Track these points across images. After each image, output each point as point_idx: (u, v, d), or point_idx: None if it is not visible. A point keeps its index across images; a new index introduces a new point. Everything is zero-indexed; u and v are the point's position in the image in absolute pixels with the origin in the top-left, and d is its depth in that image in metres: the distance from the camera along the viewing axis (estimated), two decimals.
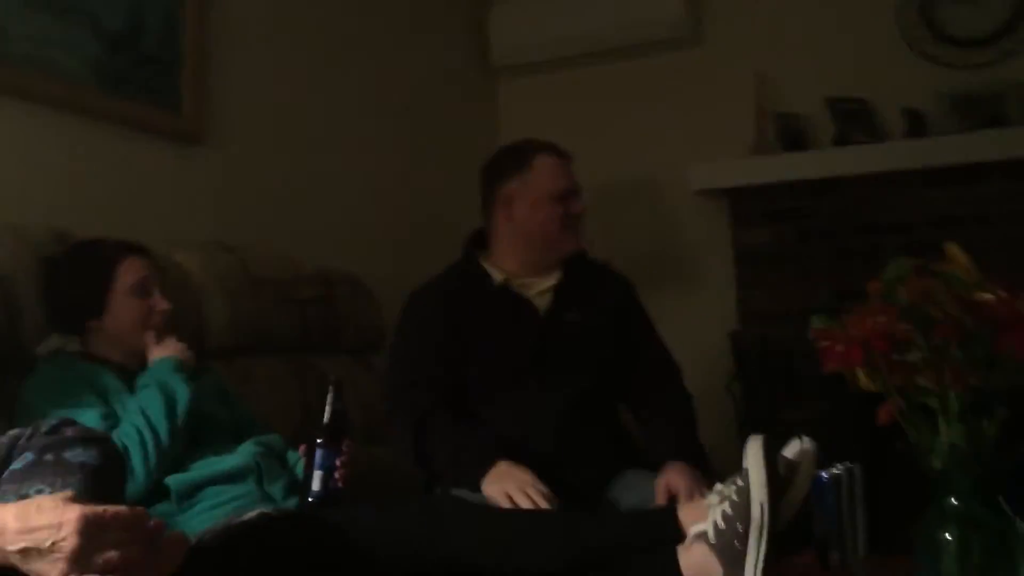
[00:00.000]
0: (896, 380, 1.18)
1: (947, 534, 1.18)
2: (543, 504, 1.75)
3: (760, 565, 1.33)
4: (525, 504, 1.74)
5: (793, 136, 3.23)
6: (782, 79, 3.28)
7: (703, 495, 1.60)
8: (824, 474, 1.63)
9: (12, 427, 1.26)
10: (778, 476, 1.40)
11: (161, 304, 1.85)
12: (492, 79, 3.72)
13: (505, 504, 1.76)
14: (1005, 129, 2.92)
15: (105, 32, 2.27)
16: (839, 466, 1.63)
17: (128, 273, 1.83)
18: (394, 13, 3.23)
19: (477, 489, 1.84)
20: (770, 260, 3.27)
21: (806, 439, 1.51)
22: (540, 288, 2.10)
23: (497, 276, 2.08)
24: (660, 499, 1.80)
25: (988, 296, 1.13)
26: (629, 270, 2.70)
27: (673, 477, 1.84)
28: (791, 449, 1.50)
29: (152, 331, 1.84)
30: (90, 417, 1.64)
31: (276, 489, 1.75)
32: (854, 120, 3.15)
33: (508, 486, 1.78)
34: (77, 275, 1.83)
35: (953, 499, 1.18)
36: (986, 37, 3.05)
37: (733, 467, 1.51)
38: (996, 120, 2.95)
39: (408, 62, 3.27)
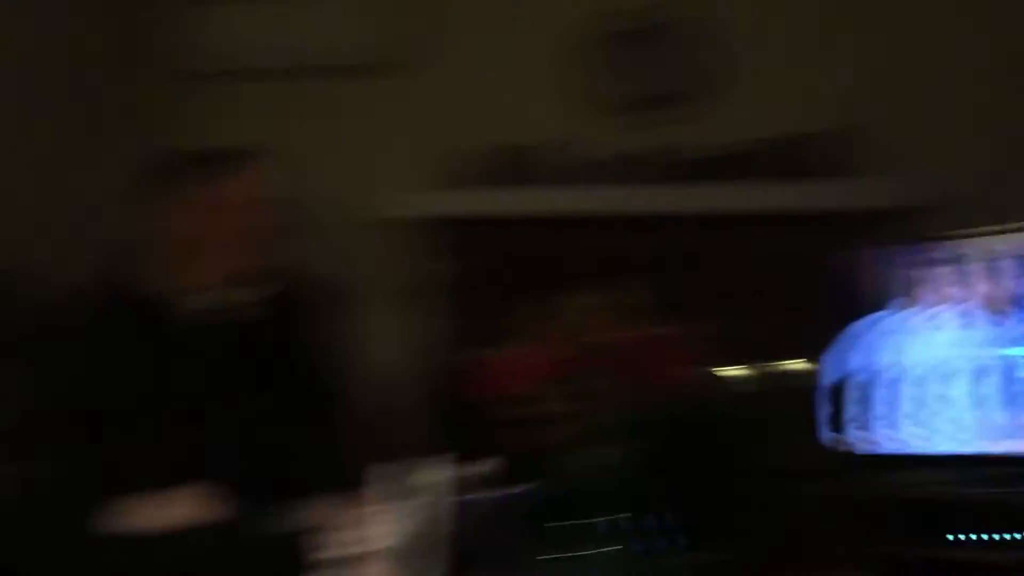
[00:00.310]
0: (546, 407, 1.26)
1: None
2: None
3: None
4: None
5: (481, 172, 3.35)
6: (474, 115, 3.41)
7: (358, 519, 1.61)
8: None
9: None
10: (451, 496, 1.43)
11: None
12: (184, 84, 3.55)
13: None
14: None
15: None
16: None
17: None
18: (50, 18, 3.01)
19: None
20: (450, 292, 3.35)
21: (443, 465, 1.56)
22: (241, 299, 2.03)
23: (155, 289, 1.97)
24: (312, 523, 1.77)
25: (627, 336, 1.24)
26: (321, 288, 2.68)
27: (324, 504, 1.81)
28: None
29: None
30: None
31: None
32: (531, 163, 3.32)
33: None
34: None
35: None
36: (660, 100, 3.34)
37: None
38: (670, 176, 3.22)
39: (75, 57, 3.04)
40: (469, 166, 3.36)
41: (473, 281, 3.35)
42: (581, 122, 3.37)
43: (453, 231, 3.35)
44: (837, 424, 3.12)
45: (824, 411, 3.18)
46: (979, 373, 2.60)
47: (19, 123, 2.76)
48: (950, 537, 2.52)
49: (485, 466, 1.55)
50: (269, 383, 1.98)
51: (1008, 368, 2.55)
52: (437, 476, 1.55)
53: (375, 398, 3.41)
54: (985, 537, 2.47)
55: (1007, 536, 2.47)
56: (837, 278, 3.05)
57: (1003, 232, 2.64)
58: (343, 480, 1.94)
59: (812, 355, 3.15)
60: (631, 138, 3.33)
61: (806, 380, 3.16)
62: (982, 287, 2.63)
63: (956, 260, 2.68)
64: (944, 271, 2.69)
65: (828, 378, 3.13)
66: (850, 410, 2.84)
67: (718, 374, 1.15)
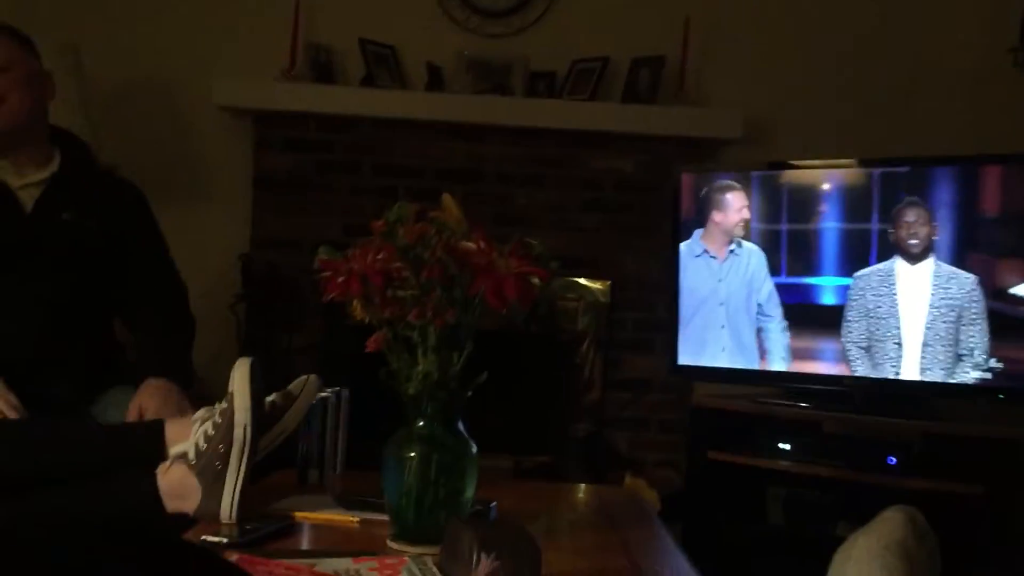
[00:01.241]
0: (387, 313, 1.28)
1: (411, 452, 1.31)
2: (10, 414, 1.65)
3: (239, 485, 1.36)
4: None
5: (324, 69, 3.28)
6: (320, 9, 3.31)
7: (181, 415, 1.60)
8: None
9: None
10: (262, 397, 1.44)
11: None
12: None
13: None
14: (508, 97, 3.25)
15: None
16: (329, 391, 1.72)
17: None
18: None
19: None
20: (288, 188, 3.31)
21: (313, 376, 1.57)
22: (28, 180, 1.94)
23: None
24: (131, 418, 1.78)
25: (470, 245, 1.27)
26: (140, 178, 2.55)
27: (145, 396, 1.83)
28: (296, 382, 1.56)
29: None
30: None
31: None
32: (383, 64, 3.29)
33: None
34: None
35: (421, 422, 1.32)
36: (503, 11, 3.35)
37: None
38: (502, 88, 3.27)
39: None
40: (314, 61, 3.27)
41: (317, 180, 3.30)
42: (425, 26, 3.33)
43: (290, 125, 3.28)
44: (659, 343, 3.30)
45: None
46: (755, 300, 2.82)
47: None
48: (752, 445, 2.75)
49: (316, 378, 1.55)
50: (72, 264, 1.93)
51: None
52: (307, 382, 1.55)
53: (200, 293, 3.35)
54: (782, 446, 2.71)
55: (791, 446, 2.72)
56: (659, 199, 3.20)
57: (805, 166, 2.84)
58: (180, 369, 1.93)
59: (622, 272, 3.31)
60: (471, 46, 3.32)
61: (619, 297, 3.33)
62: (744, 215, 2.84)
63: (746, 189, 2.86)
64: (737, 200, 2.87)
65: (651, 299, 3.31)
66: (669, 329, 3.01)
67: (546, 288, 1.19)
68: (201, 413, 1.44)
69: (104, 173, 2.13)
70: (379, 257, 1.27)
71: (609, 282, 3.31)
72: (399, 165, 3.31)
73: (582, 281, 3.31)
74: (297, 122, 3.28)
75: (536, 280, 1.27)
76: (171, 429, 1.49)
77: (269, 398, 1.49)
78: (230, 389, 1.41)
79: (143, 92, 3.32)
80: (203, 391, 2.65)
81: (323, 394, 1.66)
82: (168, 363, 1.93)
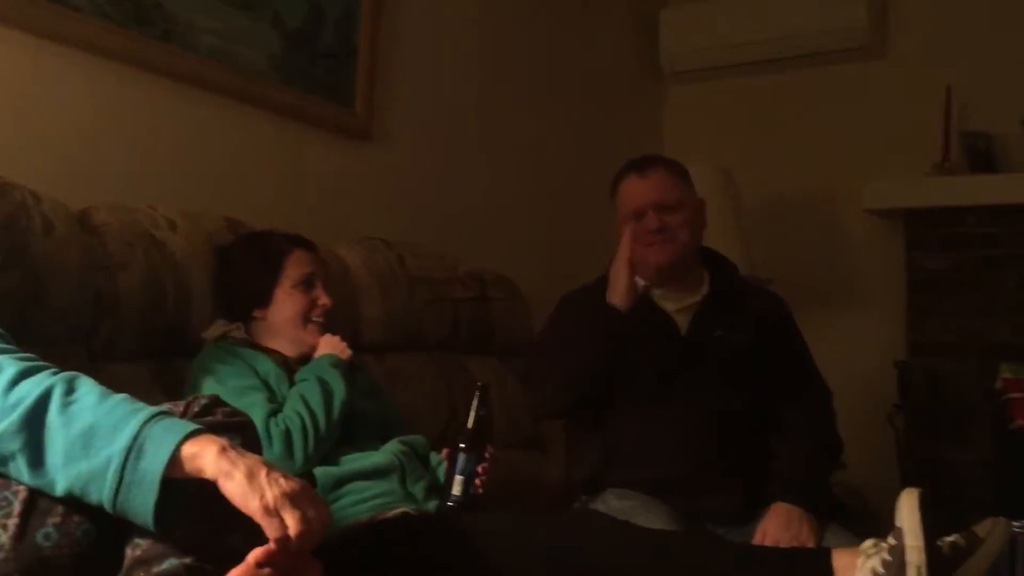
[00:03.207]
0: None
1: None
2: None
3: None
4: None
5: (981, 157, 3.01)
6: (972, 95, 3.07)
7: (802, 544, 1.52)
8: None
9: None
10: (934, 535, 1.28)
11: (323, 299, 1.89)
12: (660, 83, 3.64)
13: None
14: None
15: (285, 26, 2.34)
16: (1017, 524, 1.49)
17: (295, 266, 1.88)
18: (564, 14, 3.21)
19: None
20: (947, 288, 3.06)
21: (1002, 518, 1.36)
22: (683, 303, 2.05)
23: (640, 284, 2.03)
24: (755, 541, 1.75)
25: None
26: (792, 288, 2.57)
27: (771, 525, 1.79)
28: (982, 524, 1.37)
29: (313, 325, 1.88)
30: (256, 400, 1.69)
31: (417, 489, 1.75)
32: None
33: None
34: (248, 265, 1.88)
35: None
36: None
37: (888, 502, 1.41)
38: None
39: (575, 61, 3.24)
40: (970, 150, 3.03)
41: (979, 277, 3.01)
42: None
43: (946, 222, 3.05)
44: None
45: None
46: None
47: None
48: None
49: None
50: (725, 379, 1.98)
51: None
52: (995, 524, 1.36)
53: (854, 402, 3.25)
54: None
55: None
56: None
57: None
58: (811, 491, 1.86)
59: None
60: None
61: None
62: None
63: None
64: None
65: None
66: None
67: None
68: (867, 546, 1.34)
69: (750, 288, 2.18)
70: None
71: None
72: None
73: None
74: (953, 217, 3.04)
75: None
76: (838, 557, 1.41)
77: (949, 539, 1.32)
78: (897, 523, 1.28)
79: (790, 204, 3.38)
80: (857, 506, 2.52)
81: (1016, 527, 1.43)
82: (804, 487, 1.87)
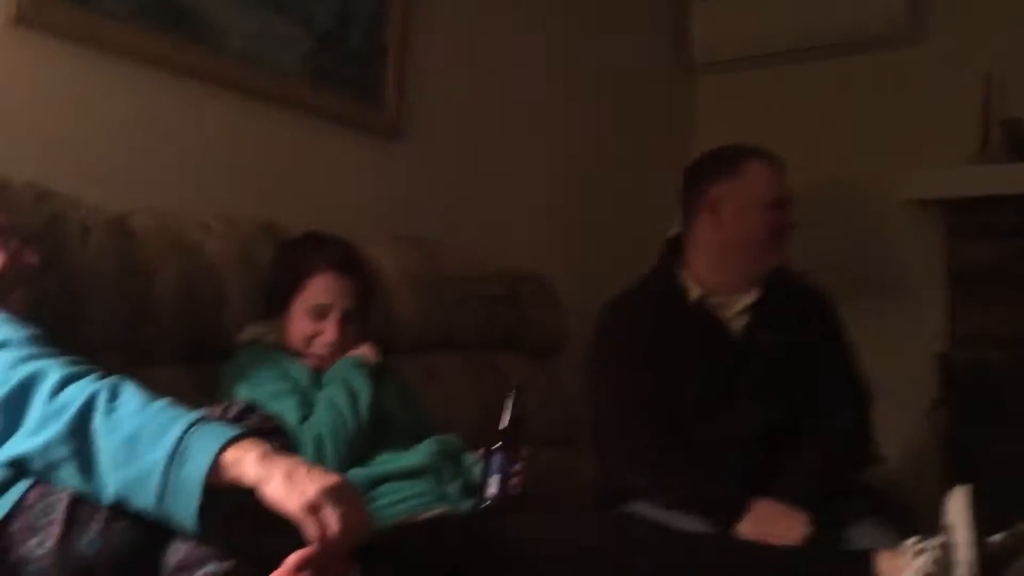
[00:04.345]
0: None
1: None
2: None
3: None
4: None
5: (1021, 145, 2.96)
6: (1013, 82, 3.01)
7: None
8: None
9: None
10: (983, 533, 1.26)
11: (328, 334, 1.82)
12: (691, 75, 3.61)
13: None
14: None
15: (315, 27, 2.35)
16: None
17: (314, 291, 1.83)
18: (594, 8, 3.18)
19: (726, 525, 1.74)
20: (989, 279, 3.00)
21: None
22: (736, 308, 1.99)
23: (694, 292, 1.98)
24: None
25: None
26: (829, 280, 2.53)
27: (747, 526, 1.72)
28: None
29: (315, 355, 1.83)
30: (289, 405, 1.70)
31: (453, 489, 1.76)
32: None
33: (775, 530, 1.69)
34: (278, 270, 1.88)
35: None
36: None
37: (929, 498, 1.39)
38: None
39: (605, 55, 3.22)
40: (1010, 138, 2.97)
41: (1009, 266, 2.96)
42: None
43: (986, 211, 3.00)
44: None
45: None
46: None
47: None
48: None
49: None
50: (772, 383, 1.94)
51: None
52: (964, 515, 1.35)
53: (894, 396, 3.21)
54: None
55: None
56: None
57: None
58: (811, 493, 1.81)
59: None
60: None
61: None
62: None
63: None
64: None
65: None
66: None
67: None
68: (911, 545, 1.32)
69: (796, 286, 2.13)
70: None
71: None
72: None
73: None
74: (994, 206, 2.98)
75: None
76: (883, 558, 1.39)
77: (997, 537, 1.30)
78: (947, 521, 1.26)
79: (827, 195, 3.34)
80: (897, 501, 2.49)
81: None
82: (805, 492, 1.79)
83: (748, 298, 1.99)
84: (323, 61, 2.37)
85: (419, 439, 1.83)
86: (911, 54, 3.22)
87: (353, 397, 1.76)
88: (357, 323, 1.88)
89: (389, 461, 1.75)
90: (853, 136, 3.28)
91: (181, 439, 1.10)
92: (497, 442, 1.67)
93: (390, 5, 2.50)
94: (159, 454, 1.09)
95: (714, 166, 2.02)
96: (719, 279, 1.99)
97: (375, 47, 2.49)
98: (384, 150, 2.54)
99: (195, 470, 1.08)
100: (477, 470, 1.76)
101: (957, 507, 1.25)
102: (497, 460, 1.66)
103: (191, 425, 1.12)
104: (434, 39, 2.65)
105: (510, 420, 1.69)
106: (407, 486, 1.71)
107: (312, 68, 2.35)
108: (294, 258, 1.88)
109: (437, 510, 1.66)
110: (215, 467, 1.08)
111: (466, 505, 1.72)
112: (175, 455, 1.09)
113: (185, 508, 1.08)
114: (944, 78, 3.12)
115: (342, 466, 1.69)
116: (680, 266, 2.03)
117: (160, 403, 1.16)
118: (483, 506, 1.66)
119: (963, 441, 2.94)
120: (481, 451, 1.76)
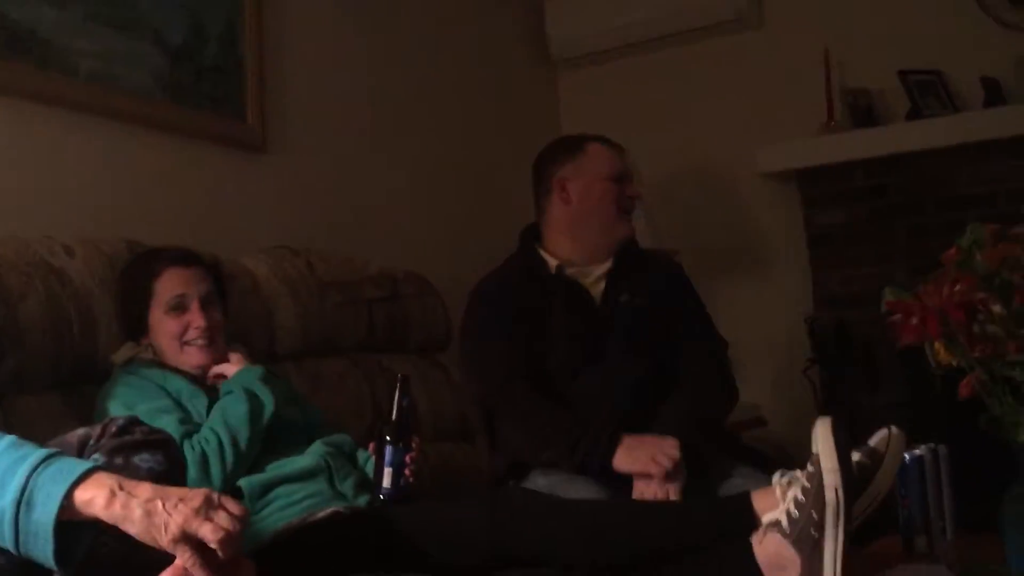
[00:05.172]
0: (976, 352, 1.13)
1: None
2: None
3: (839, 554, 1.28)
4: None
5: (864, 112, 3.14)
6: (850, 54, 3.19)
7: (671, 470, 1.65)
8: (907, 456, 1.57)
9: None
10: (850, 459, 1.35)
11: (197, 321, 1.80)
12: (552, 71, 3.70)
13: (653, 471, 1.76)
14: None
15: (167, 44, 2.31)
16: (923, 447, 1.57)
17: (165, 289, 1.80)
18: (449, 6, 3.23)
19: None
20: (845, 241, 3.18)
21: (893, 427, 1.45)
22: (593, 276, 2.10)
23: (552, 264, 2.09)
24: None
25: None
26: (698, 256, 2.64)
27: (618, 459, 1.83)
28: (876, 437, 1.45)
29: (192, 347, 1.81)
30: (168, 422, 1.66)
31: (347, 487, 1.76)
32: (928, 92, 3.05)
33: (648, 452, 1.79)
34: (123, 293, 1.84)
35: None
36: None
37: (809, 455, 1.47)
38: None
39: (466, 55, 3.27)
40: (853, 107, 3.15)
41: (874, 228, 3.13)
42: (972, 38, 3.02)
43: (836, 177, 3.17)
44: None
45: None
46: None
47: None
48: None
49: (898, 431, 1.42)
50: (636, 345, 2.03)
51: None
52: (891, 437, 1.44)
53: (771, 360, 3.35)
54: None
55: None
56: None
57: None
58: (685, 426, 1.91)
59: None
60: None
61: None
62: None
63: None
64: None
65: None
66: None
67: None
68: (777, 479, 1.40)
69: (645, 256, 2.24)
70: (956, 289, 1.13)
71: None
72: (963, 196, 3.00)
73: None
74: (843, 173, 3.16)
75: None
76: (758, 499, 1.46)
77: (854, 458, 1.39)
78: (814, 451, 1.34)
79: (689, 176, 3.47)
80: (780, 460, 2.60)
81: (917, 452, 1.51)
82: (679, 430, 1.87)
83: (603, 267, 2.11)
84: (179, 78, 2.34)
85: (311, 442, 1.82)
86: (756, 36, 3.38)
87: (255, 411, 1.74)
88: (219, 307, 1.87)
89: (281, 465, 1.74)
90: (710, 118, 3.41)
91: (25, 484, 1.07)
92: (388, 435, 1.68)
93: (243, 17, 2.49)
94: (6, 500, 1.07)
95: (559, 151, 2.17)
96: (574, 252, 2.10)
97: (231, 61, 2.47)
98: (250, 162, 2.52)
99: (44, 515, 1.05)
100: (370, 465, 1.77)
101: (822, 435, 1.33)
102: (389, 452, 1.67)
103: (36, 467, 1.08)
104: (291, 49, 2.64)
105: (398, 411, 1.70)
106: (301, 488, 1.71)
107: (168, 85, 2.31)
108: (135, 274, 1.84)
109: (332, 508, 1.66)
110: (65, 509, 1.06)
111: (362, 501, 1.72)
112: (21, 502, 1.06)
113: (42, 551, 1.06)
114: (789, 56, 3.28)
115: (228, 482, 1.67)
116: (538, 246, 2.15)
117: (4, 443, 1.13)
118: (379, 499, 1.67)
119: (839, 397, 3.10)
120: (372, 446, 1.77)
